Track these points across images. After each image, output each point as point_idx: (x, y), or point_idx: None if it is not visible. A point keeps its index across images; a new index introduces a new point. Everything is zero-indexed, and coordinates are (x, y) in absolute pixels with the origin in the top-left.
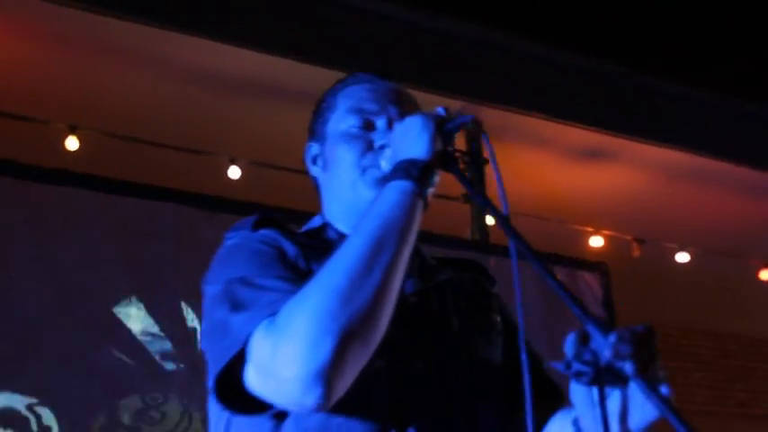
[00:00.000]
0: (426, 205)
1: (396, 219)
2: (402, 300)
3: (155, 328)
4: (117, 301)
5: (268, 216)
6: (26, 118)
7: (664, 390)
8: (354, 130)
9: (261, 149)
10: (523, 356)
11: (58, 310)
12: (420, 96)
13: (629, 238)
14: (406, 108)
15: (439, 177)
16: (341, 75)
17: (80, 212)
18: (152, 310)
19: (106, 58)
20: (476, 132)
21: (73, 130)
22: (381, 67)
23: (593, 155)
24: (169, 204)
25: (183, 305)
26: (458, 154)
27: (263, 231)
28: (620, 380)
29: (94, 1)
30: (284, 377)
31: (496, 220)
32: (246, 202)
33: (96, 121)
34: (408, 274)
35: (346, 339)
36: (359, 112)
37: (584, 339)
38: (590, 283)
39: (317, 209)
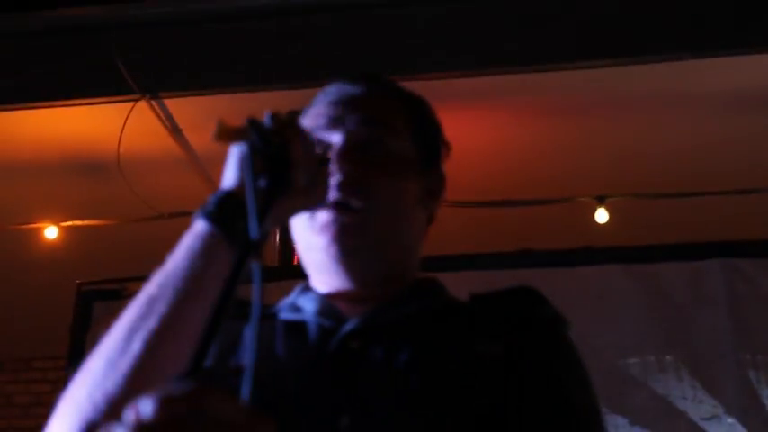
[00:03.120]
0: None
1: (177, 270)
2: (340, 346)
3: (719, 410)
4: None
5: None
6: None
7: None
8: None
9: None
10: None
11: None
12: None
13: None
14: (372, 113)
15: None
16: None
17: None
18: (711, 389)
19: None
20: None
21: (601, 202)
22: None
23: None
24: (715, 261)
25: (752, 376)
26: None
27: None
28: None
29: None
30: None
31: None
32: None
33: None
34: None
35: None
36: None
37: None
38: None
39: None
